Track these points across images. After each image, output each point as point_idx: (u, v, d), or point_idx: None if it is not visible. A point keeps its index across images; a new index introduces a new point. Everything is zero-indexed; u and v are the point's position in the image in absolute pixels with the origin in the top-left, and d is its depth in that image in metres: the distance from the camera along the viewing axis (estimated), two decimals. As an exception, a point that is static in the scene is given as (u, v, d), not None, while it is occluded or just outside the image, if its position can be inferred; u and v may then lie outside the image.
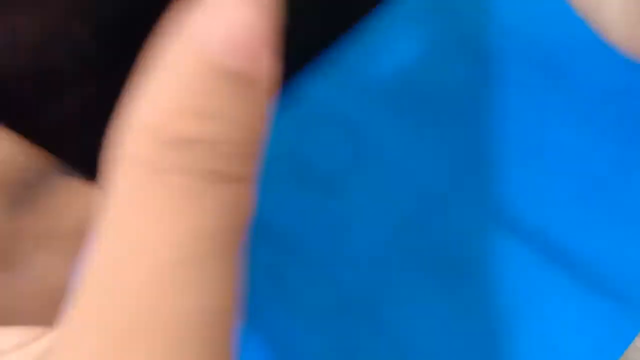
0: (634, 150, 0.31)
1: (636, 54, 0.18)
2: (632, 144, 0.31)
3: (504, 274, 0.30)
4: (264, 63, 0.13)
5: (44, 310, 0.20)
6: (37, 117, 0.17)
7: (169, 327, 0.12)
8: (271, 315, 0.28)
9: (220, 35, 0.12)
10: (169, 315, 0.12)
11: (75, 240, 0.20)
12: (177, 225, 0.12)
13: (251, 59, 0.12)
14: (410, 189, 0.29)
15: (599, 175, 0.31)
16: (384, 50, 0.32)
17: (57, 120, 0.17)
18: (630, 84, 0.32)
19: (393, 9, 0.34)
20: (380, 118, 0.31)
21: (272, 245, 0.28)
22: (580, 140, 0.31)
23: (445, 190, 0.29)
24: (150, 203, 0.12)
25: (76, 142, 0.18)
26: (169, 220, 0.12)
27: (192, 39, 0.12)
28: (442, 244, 0.30)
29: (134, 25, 0.16)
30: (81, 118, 0.18)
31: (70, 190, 0.20)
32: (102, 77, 0.17)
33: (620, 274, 0.29)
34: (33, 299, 0.20)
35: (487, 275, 0.30)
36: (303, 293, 0.27)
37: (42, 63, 0.16)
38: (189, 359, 0.12)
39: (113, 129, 0.14)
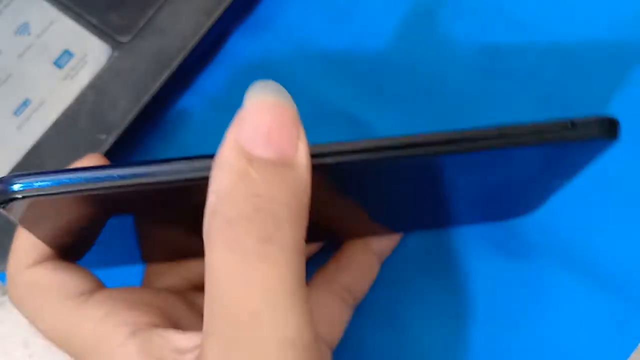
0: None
1: None
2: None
3: (511, 272, 0.30)
4: (296, 147, 0.18)
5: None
6: None
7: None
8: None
9: (250, 132, 0.17)
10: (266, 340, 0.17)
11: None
12: (257, 279, 0.17)
13: (281, 147, 0.17)
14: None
15: (608, 173, 0.31)
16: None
17: None
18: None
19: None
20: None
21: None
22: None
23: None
24: (235, 267, 0.17)
25: None
26: (255, 272, 0.17)
27: (233, 142, 0.17)
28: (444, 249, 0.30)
29: None
30: None
31: None
32: None
33: (629, 275, 0.29)
34: None
35: (494, 273, 0.30)
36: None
37: None
38: None
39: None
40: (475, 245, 0.30)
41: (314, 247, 0.29)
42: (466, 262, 0.30)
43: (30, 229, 0.21)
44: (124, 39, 0.30)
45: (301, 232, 0.18)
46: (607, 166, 0.31)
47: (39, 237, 0.22)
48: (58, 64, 0.30)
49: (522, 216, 0.29)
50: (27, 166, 0.28)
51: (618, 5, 0.33)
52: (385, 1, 0.33)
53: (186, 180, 0.19)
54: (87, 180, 0.19)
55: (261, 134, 0.17)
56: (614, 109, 0.32)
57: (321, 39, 0.33)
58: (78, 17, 0.30)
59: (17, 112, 0.29)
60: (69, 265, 0.23)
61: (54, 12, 0.30)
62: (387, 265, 0.29)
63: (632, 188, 0.30)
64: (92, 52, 0.30)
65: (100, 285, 0.23)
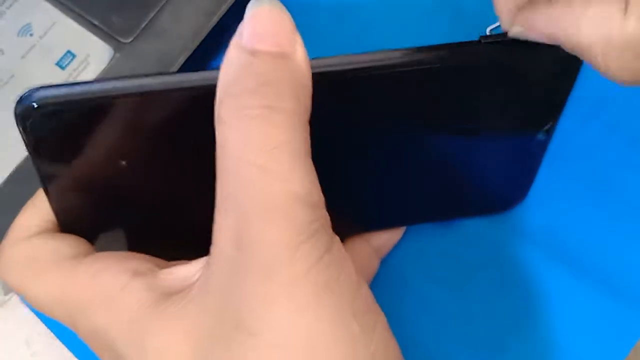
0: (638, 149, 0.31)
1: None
2: (636, 143, 0.31)
3: (509, 272, 0.30)
4: (294, 46, 0.19)
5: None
6: None
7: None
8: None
9: (251, 33, 0.19)
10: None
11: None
12: (262, 138, 0.18)
13: (280, 42, 0.19)
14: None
15: (607, 174, 0.31)
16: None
17: None
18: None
19: None
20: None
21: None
22: (585, 139, 0.31)
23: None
24: (241, 131, 0.18)
25: None
26: (261, 132, 0.18)
27: (235, 44, 0.19)
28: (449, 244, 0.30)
29: None
30: None
31: None
32: None
33: (626, 275, 0.29)
34: None
35: (493, 274, 0.30)
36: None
37: None
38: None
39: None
40: (474, 246, 0.30)
41: None
42: (466, 263, 0.30)
43: (44, 168, 0.22)
44: (126, 40, 0.30)
45: (303, 109, 0.19)
46: (607, 167, 0.31)
47: (51, 190, 0.23)
48: (60, 64, 0.30)
49: (515, 203, 0.30)
50: (29, 168, 0.28)
51: None
52: (387, 3, 0.33)
53: (196, 87, 0.21)
54: (103, 89, 0.20)
55: (260, 33, 0.19)
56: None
57: (321, 39, 0.33)
58: (80, 19, 0.30)
59: (19, 113, 0.29)
60: (63, 234, 0.23)
61: (56, 14, 0.30)
62: (388, 265, 0.30)
63: (632, 188, 0.31)
64: (94, 53, 0.30)
65: (94, 250, 0.23)
